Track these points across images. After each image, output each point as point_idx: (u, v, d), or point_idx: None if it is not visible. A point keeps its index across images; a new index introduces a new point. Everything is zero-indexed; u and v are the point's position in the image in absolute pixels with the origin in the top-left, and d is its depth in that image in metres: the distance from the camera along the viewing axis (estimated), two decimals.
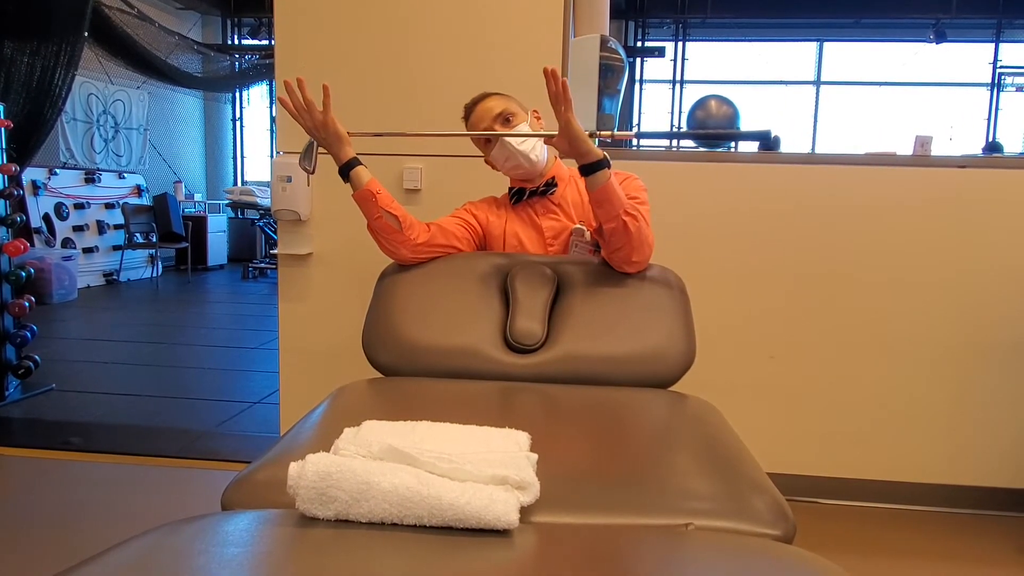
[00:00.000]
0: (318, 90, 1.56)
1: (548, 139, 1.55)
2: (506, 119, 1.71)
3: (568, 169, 1.82)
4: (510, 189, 1.81)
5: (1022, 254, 2.31)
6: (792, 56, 10.07)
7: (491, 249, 1.79)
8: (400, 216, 1.62)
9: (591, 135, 1.55)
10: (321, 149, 1.65)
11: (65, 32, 4.86)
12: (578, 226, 1.73)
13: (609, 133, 1.61)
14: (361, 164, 1.62)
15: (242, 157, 10.93)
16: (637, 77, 9.96)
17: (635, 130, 9.27)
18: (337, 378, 1.52)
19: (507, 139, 1.69)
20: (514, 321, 1.48)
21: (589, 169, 1.48)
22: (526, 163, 1.71)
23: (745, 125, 3.12)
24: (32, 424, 3.15)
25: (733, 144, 2.95)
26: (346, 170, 1.62)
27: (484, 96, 1.76)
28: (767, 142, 1.60)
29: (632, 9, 9.77)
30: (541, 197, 1.77)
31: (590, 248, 1.73)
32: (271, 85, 9.79)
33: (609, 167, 1.49)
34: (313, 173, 1.69)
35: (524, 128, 1.70)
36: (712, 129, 2.92)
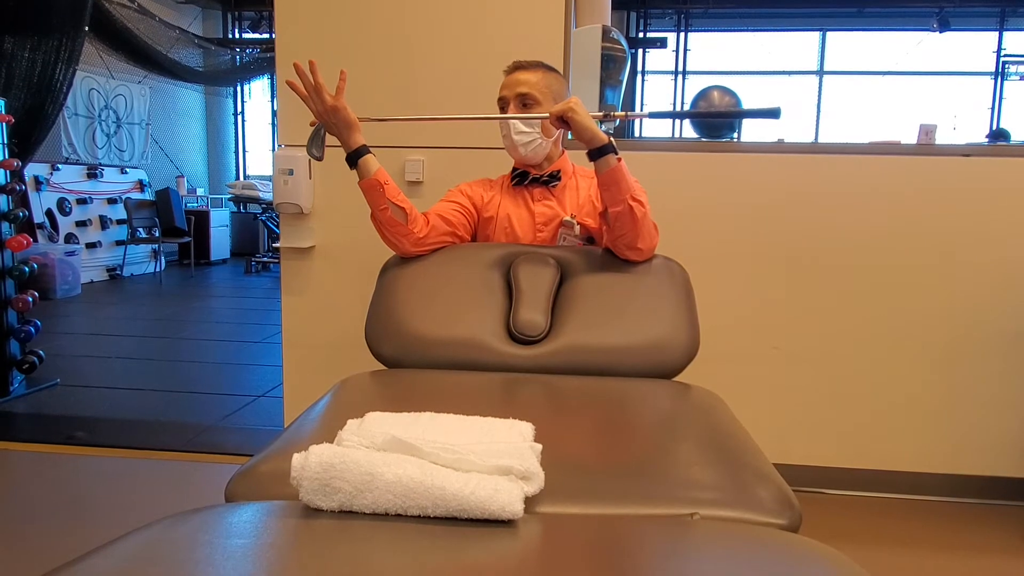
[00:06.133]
0: (330, 77, 1.55)
1: (545, 119, 1.59)
2: (524, 103, 1.71)
3: (574, 166, 1.83)
4: (513, 170, 1.82)
5: None
6: (795, 46, 10.02)
7: (483, 229, 1.81)
8: (407, 209, 1.62)
9: (606, 115, 1.57)
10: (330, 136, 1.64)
11: (65, 27, 4.84)
12: (568, 218, 1.74)
13: (603, 114, 1.62)
14: (370, 152, 1.61)
15: (244, 151, 10.92)
16: (639, 68, 9.92)
17: (638, 112, 9.23)
18: (340, 371, 1.52)
19: (510, 120, 1.70)
20: (517, 312, 1.47)
21: (596, 154, 1.51)
22: (509, 148, 1.75)
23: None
24: (37, 419, 3.16)
25: (736, 134, 2.94)
26: (355, 157, 1.61)
27: (525, 67, 1.74)
28: (775, 118, 1.60)
29: None
30: (542, 186, 1.78)
31: (579, 242, 1.73)
32: (272, 79, 9.78)
33: (616, 152, 1.50)
34: (321, 160, 1.68)
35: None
36: (716, 120, 2.91)
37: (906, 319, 2.36)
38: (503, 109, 1.75)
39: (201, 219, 8.69)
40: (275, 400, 3.41)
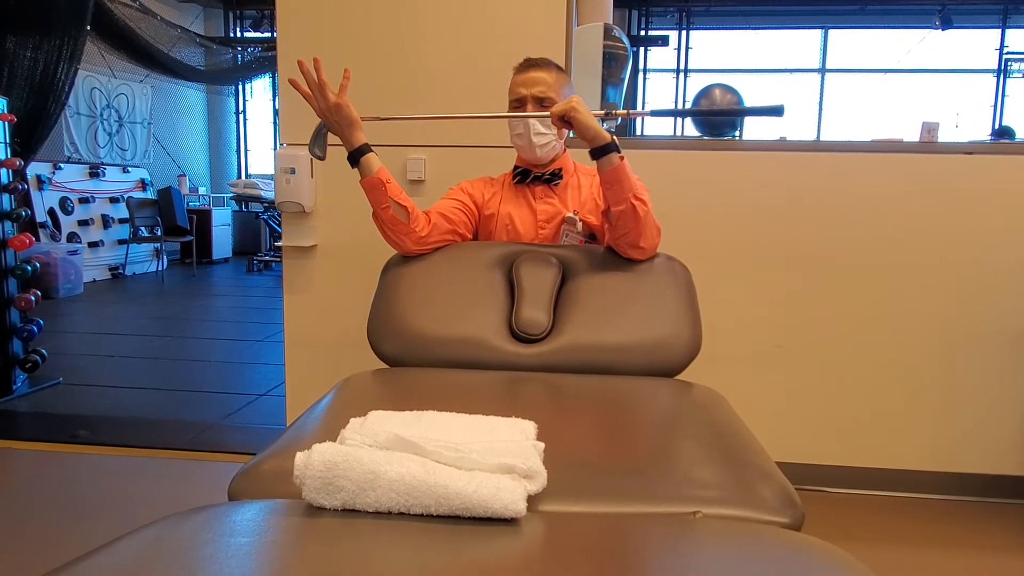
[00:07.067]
0: (330, 76, 1.55)
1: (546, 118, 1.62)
2: (541, 103, 1.71)
3: (576, 164, 1.83)
4: (515, 168, 1.82)
5: None
6: (797, 44, 10.01)
7: (484, 227, 1.81)
8: (409, 208, 1.62)
9: (608, 113, 1.56)
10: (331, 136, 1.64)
11: (67, 26, 4.85)
12: (570, 215, 1.74)
13: (604, 113, 1.63)
14: (372, 151, 1.61)
15: (246, 150, 10.92)
16: (641, 66, 9.91)
17: (639, 110, 9.23)
18: (342, 369, 1.52)
19: (529, 120, 1.70)
20: (519, 311, 1.47)
21: (599, 152, 1.51)
22: (524, 146, 1.74)
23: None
24: (40, 418, 3.16)
25: (738, 132, 2.94)
26: (356, 156, 1.61)
27: (539, 65, 1.74)
28: (779, 115, 1.60)
29: None
30: (544, 184, 1.78)
31: (581, 239, 1.73)
32: (274, 77, 9.78)
33: (618, 151, 1.50)
34: (323, 159, 1.68)
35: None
36: (717, 118, 2.90)
37: (909, 317, 2.35)
38: (519, 108, 1.73)
39: (203, 218, 8.69)
40: (277, 399, 3.41)
